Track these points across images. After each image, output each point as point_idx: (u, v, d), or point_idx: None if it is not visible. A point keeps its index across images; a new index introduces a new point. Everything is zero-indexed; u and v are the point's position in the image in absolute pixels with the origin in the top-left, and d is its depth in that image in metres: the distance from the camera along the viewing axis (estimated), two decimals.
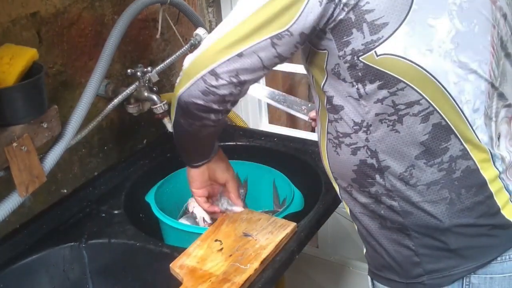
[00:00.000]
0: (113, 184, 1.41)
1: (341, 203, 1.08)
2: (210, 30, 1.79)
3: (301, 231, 1.17)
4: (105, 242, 1.22)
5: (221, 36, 0.89)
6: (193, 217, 1.36)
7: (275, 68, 2.11)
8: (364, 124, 0.92)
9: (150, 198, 1.33)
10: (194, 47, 1.51)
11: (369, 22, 0.84)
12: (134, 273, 1.23)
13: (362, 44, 0.85)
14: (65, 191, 1.34)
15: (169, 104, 1.40)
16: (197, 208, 1.35)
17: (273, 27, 0.86)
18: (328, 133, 0.98)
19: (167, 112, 1.39)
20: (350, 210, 1.04)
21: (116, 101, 1.31)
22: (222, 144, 1.58)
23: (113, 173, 1.43)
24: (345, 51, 0.87)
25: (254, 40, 0.87)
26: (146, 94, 1.37)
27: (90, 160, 1.41)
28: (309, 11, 0.84)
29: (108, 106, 1.30)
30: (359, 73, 0.87)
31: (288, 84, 2.56)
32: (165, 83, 1.63)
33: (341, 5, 0.83)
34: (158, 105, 1.37)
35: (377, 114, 0.90)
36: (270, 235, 1.12)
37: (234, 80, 0.90)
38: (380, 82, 0.87)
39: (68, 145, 1.13)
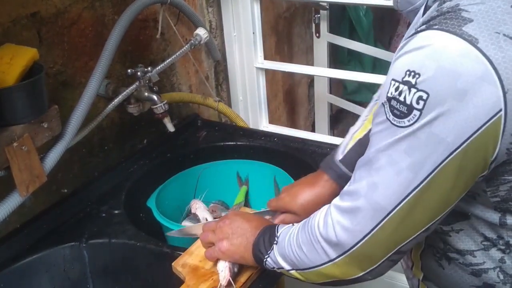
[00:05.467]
0: (113, 184, 1.41)
1: None
2: (210, 30, 1.80)
3: None
4: (106, 242, 1.22)
5: (398, 215, 0.74)
6: (196, 219, 1.36)
7: (274, 69, 2.13)
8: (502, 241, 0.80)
9: (151, 203, 1.33)
10: (194, 47, 1.51)
11: None
12: (134, 273, 1.23)
13: None
14: (66, 191, 1.34)
15: (169, 104, 1.41)
16: (199, 209, 1.36)
17: (469, 182, 0.73)
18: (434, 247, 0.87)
19: (167, 112, 1.39)
20: None
21: (116, 101, 1.31)
22: (222, 144, 1.60)
23: (113, 173, 1.43)
24: None
25: (448, 207, 0.75)
26: (146, 94, 1.37)
27: (91, 160, 1.41)
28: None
29: (109, 106, 1.30)
30: None
31: (288, 84, 2.56)
32: (166, 83, 1.63)
33: None
34: (158, 105, 1.37)
35: None
36: None
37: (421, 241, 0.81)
38: None
39: (69, 145, 1.13)
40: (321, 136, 2.01)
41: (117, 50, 1.26)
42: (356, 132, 1.07)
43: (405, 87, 0.69)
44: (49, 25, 1.23)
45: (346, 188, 0.81)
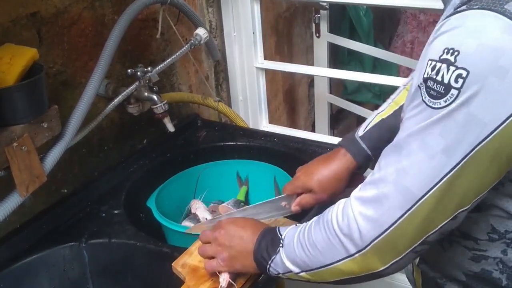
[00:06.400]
0: (113, 184, 1.41)
1: None
2: (210, 30, 1.79)
3: None
4: (105, 242, 1.22)
5: (429, 201, 0.71)
6: (196, 219, 1.36)
7: (274, 69, 2.13)
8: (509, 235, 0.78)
9: (151, 203, 1.33)
10: (194, 47, 1.51)
11: None
12: (134, 273, 1.23)
13: None
14: (65, 191, 1.34)
15: (169, 104, 1.41)
16: (199, 209, 1.36)
17: (503, 170, 0.71)
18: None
19: (167, 112, 1.39)
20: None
21: (116, 101, 1.31)
22: (222, 144, 1.60)
23: (113, 173, 1.43)
24: None
25: (480, 195, 0.71)
26: (146, 94, 1.37)
27: (90, 160, 1.41)
28: None
29: (108, 106, 1.30)
30: None
31: (288, 84, 2.56)
32: (165, 83, 1.63)
33: None
34: (158, 105, 1.37)
35: None
36: None
37: (446, 233, 0.76)
38: None
39: (68, 145, 1.13)
40: (321, 136, 2.01)
41: (117, 50, 1.26)
42: (381, 113, 1.05)
43: (443, 65, 0.66)
44: (49, 25, 1.23)
45: (368, 178, 0.77)
